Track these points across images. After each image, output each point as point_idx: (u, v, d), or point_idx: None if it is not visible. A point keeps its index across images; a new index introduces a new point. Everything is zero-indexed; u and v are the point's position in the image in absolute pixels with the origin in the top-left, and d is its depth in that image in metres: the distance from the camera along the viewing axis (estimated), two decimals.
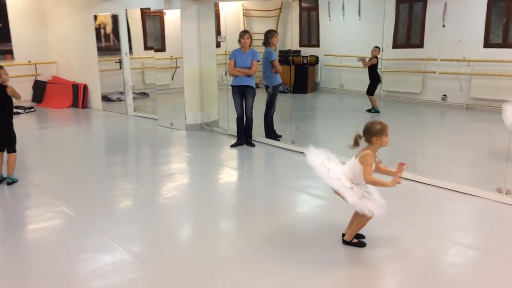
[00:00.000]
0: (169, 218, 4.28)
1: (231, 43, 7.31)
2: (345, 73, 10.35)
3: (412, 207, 4.38)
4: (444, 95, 9.15)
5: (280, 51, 9.90)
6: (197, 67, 7.71)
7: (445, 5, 8.83)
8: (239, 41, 6.41)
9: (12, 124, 5.18)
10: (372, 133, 3.30)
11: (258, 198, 4.84)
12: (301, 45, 11.20)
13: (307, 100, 10.59)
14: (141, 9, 9.06)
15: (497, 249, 3.56)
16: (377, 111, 7.83)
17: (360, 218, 3.44)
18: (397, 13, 9.57)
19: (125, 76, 9.24)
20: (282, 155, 6.23)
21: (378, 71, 8.12)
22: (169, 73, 8.88)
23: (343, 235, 3.61)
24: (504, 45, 8.30)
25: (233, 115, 6.77)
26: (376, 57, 7.99)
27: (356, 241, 3.53)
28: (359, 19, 9.87)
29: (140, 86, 9.81)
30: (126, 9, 8.96)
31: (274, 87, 6.64)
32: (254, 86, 6.49)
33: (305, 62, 10.72)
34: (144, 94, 10.03)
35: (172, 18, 7.68)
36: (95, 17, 9.47)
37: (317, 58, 10.83)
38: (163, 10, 7.73)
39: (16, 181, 5.16)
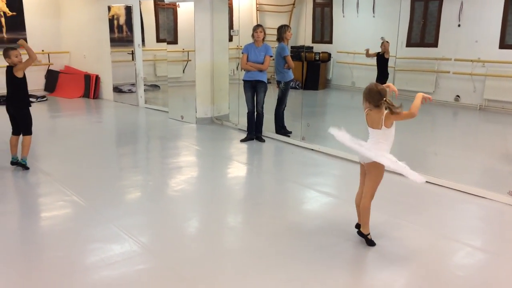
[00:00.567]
0: (178, 211, 4.29)
1: (243, 38, 7.29)
2: (357, 70, 10.28)
3: (422, 207, 4.35)
4: (457, 96, 9.07)
5: (292, 47, 9.85)
6: (209, 60, 7.70)
7: (461, 4, 8.73)
8: (252, 35, 6.39)
9: (26, 108, 5.17)
10: (382, 95, 3.25)
11: (266, 194, 4.84)
12: (313, 41, 11.14)
13: (318, 97, 10.54)
14: (155, 1, 9.08)
15: (507, 251, 3.52)
16: None
17: (363, 202, 3.45)
18: (412, 11, 9.47)
19: (137, 67, 9.27)
20: (292, 151, 6.21)
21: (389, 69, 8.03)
22: (181, 66, 8.90)
23: (357, 225, 3.61)
24: None
25: (244, 110, 6.76)
26: (381, 53, 7.81)
27: (370, 237, 3.50)
28: (373, 16, 9.80)
29: (152, 78, 9.84)
30: (139, 1, 8.97)
31: (286, 82, 6.61)
32: (266, 81, 6.47)
33: (317, 59, 10.67)
34: (155, 86, 10.06)
35: (185, 10, 7.68)
36: (109, 8, 9.49)
37: (329, 54, 10.77)
38: (177, 3, 7.72)
39: (27, 168, 5.18)
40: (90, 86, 10.21)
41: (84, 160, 5.75)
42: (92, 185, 4.83)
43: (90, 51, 10.34)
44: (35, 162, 5.47)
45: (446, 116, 8.82)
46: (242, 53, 6.45)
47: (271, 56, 6.41)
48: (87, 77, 10.27)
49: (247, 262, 3.32)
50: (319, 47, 10.86)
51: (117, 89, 9.92)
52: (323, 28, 11.13)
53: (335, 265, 3.26)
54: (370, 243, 3.50)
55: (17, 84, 5.07)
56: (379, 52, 7.79)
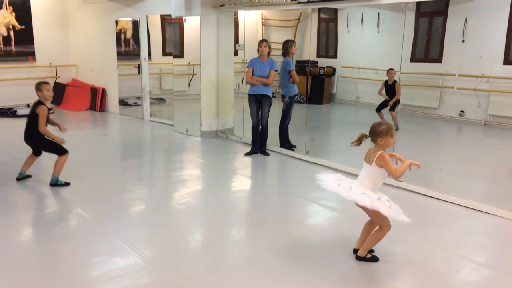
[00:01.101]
0: (182, 224, 4.29)
1: (249, 52, 7.36)
2: (361, 85, 10.31)
3: (426, 223, 4.33)
4: (462, 111, 9.06)
5: (297, 61, 9.92)
6: (215, 74, 7.77)
7: (466, 20, 8.78)
8: (257, 49, 6.45)
9: (41, 139, 5.00)
10: (377, 134, 3.31)
11: (270, 208, 4.84)
12: (318, 56, 11.20)
13: (323, 111, 10.57)
14: (162, 16, 9.18)
15: None
16: (397, 128, 7.76)
17: (377, 232, 3.41)
18: (416, 26, 9.53)
19: (143, 81, 9.35)
20: (296, 165, 6.22)
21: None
22: (186, 80, 8.96)
23: (355, 250, 3.58)
24: None
25: (248, 124, 6.79)
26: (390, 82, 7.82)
27: (370, 256, 3.50)
28: (378, 31, 9.86)
29: (157, 92, 9.91)
30: (147, 15, 9.09)
31: (290, 97, 6.65)
32: (271, 96, 6.51)
33: (322, 73, 10.72)
34: (161, 100, 10.13)
35: (191, 25, 7.76)
36: (117, 22, 9.62)
37: (334, 69, 10.83)
38: (184, 17, 7.82)
39: (60, 184, 5.05)
40: (96, 99, 10.29)
41: (89, 173, 5.78)
42: (96, 198, 4.85)
43: (97, 65, 10.45)
44: (40, 174, 5.50)
45: (450, 131, 8.81)
46: (248, 67, 6.50)
47: (276, 71, 6.46)
48: (94, 90, 10.36)
49: (251, 276, 3.31)
50: (323, 62, 10.92)
51: (123, 102, 10.00)
52: (327, 43, 11.20)
53: (339, 280, 3.24)
54: (373, 259, 3.48)
55: (36, 121, 4.93)
56: (386, 81, 7.82)
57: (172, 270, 3.38)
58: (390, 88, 7.76)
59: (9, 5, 9.86)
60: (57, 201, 4.72)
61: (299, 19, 11.03)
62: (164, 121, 9.06)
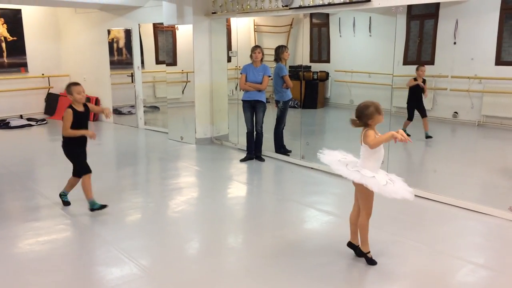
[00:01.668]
0: (178, 232, 4.27)
1: (242, 58, 7.36)
2: (355, 88, 10.34)
3: (423, 225, 4.34)
4: (455, 112, 9.10)
5: (290, 67, 9.94)
6: (208, 81, 7.77)
7: (457, 22, 8.84)
8: (250, 56, 6.46)
9: (67, 148, 4.63)
10: (366, 117, 3.33)
11: (267, 213, 4.82)
12: (311, 60, 11.23)
13: (317, 115, 10.59)
14: (154, 24, 9.19)
15: (510, 269, 3.50)
16: (430, 136, 7.54)
17: (360, 221, 3.45)
18: (408, 30, 9.58)
19: (137, 89, 9.33)
20: (292, 170, 6.21)
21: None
22: (180, 87, 8.95)
23: (349, 243, 3.59)
24: None
25: (243, 130, 6.79)
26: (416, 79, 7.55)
27: (371, 256, 3.48)
28: (370, 35, 9.91)
29: (151, 100, 9.89)
30: (139, 24, 9.09)
31: (284, 102, 6.65)
32: (265, 101, 6.52)
33: (315, 78, 10.75)
34: (155, 108, 10.11)
35: (184, 33, 7.77)
36: (109, 32, 9.61)
37: (327, 73, 10.86)
38: (176, 25, 7.82)
39: (96, 208, 4.53)
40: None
41: None
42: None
43: (90, 74, 10.42)
44: (34, 185, 5.46)
45: (444, 132, 8.84)
46: (241, 73, 6.51)
47: (269, 76, 6.47)
48: (87, 99, 10.31)
49: (248, 282, 3.30)
50: (317, 67, 10.95)
51: (116, 111, 9.97)
52: (320, 47, 11.24)
53: (336, 284, 3.23)
54: (371, 262, 3.48)
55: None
56: (415, 79, 7.57)
57: (169, 279, 3.35)
58: (420, 87, 7.56)
59: (0, 16, 9.83)
60: (51, 211, 4.68)
61: (291, 25, 11.06)
62: (159, 129, 9.04)
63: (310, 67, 10.98)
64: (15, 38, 10.07)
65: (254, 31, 11.10)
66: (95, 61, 10.12)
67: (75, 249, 3.84)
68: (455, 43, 8.95)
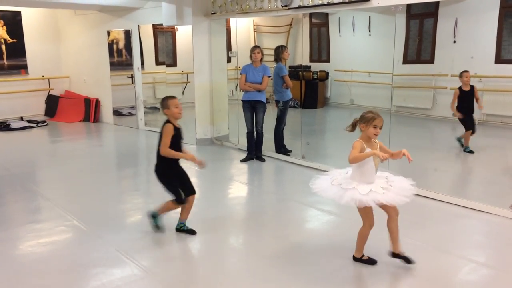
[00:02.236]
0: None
1: (241, 59, 7.37)
2: (355, 88, 10.34)
3: (424, 224, 4.33)
4: None
5: (290, 67, 9.94)
6: (208, 82, 7.77)
7: (456, 21, 8.84)
8: (250, 56, 6.46)
9: (161, 172, 4.09)
10: (360, 119, 3.34)
11: (268, 213, 4.82)
12: (311, 60, 11.23)
13: (317, 115, 10.58)
14: (153, 25, 9.19)
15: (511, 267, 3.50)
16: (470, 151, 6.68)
17: (360, 230, 3.41)
18: (407, 29, 9.58)
19: (137, 90, 9.34)
20: (292, 170, 6.21)
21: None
22: (180, 88, 8.96)
23: (393, 254, 3.43)
24: None
25: (243, 130, 6.78)
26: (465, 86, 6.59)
27: (367, 258, 3.48)
28: (369, 34, 9.91)
29: (151, 101, 9.89)
30: (138, 25, 9.09)
31: (284, 102, 6.65)
32: (265, 101, 6.52)
33: (315, 77, 10.74)
34: (155, 109, 10.10)
35: (183, 34, 7.78)
36: (108, 33, 9.62)
37: (327, 73, 10.86)
38: (176, 26, 7.83)
39: (153, 223, 4.12)
40: (90, 110, 10.26)
41: (84, 184, 5.75)
42: (93, 209, 4.82)
43: (90, 76, 10.43)
44: (35, 187, 5.47)
45: (445, 131, 8.83)
46: (241, 74, 6.51)
47: (269, 77, 6.47)
48: (87, 101, 10.33)
49: (249, 283, 3.30)
50: (316, 66, 10.95)
51: (117, 112, 9.97)
52: (320, 47, 11.24)
53: (337, 284, 3.23)
54: (370, 262, 3.46)
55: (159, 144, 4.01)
56: (460, 88, 6.68)
57: (170, 279, 3.35)
58: (468, 95, 6.53)
59: (0, 19, 9.84)
60: (53, 213, 4.68)
61: (290, 25, 11.06)
62: (159, 130, 9.01)
63: (310, 67, 10.98)
64: (15, 40, 10.07)
65: (254, 31, 11.10)
66: (95, 62, 10.12)
67: (76, 250, 3.84)
68: (454, 41, 8.95)
